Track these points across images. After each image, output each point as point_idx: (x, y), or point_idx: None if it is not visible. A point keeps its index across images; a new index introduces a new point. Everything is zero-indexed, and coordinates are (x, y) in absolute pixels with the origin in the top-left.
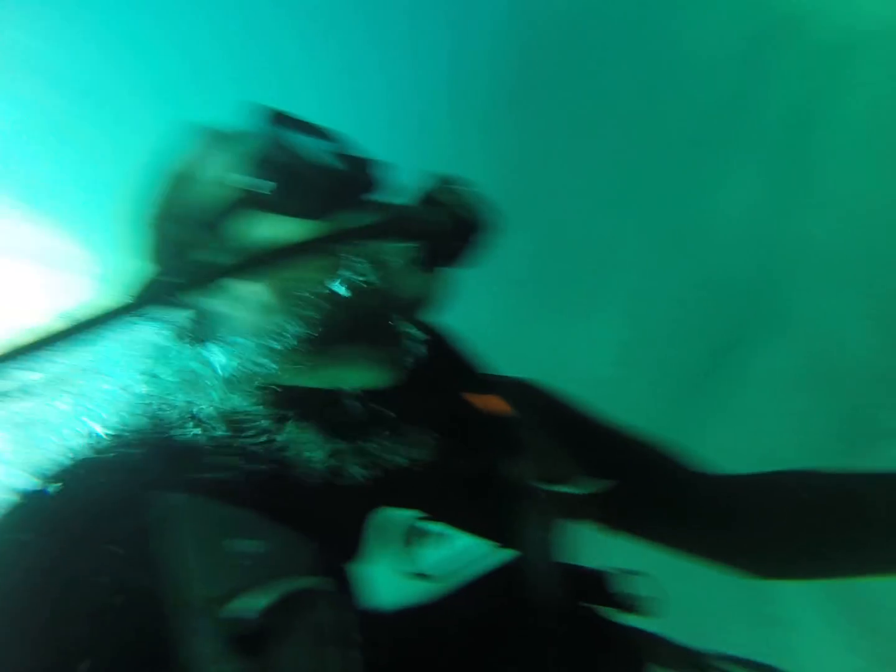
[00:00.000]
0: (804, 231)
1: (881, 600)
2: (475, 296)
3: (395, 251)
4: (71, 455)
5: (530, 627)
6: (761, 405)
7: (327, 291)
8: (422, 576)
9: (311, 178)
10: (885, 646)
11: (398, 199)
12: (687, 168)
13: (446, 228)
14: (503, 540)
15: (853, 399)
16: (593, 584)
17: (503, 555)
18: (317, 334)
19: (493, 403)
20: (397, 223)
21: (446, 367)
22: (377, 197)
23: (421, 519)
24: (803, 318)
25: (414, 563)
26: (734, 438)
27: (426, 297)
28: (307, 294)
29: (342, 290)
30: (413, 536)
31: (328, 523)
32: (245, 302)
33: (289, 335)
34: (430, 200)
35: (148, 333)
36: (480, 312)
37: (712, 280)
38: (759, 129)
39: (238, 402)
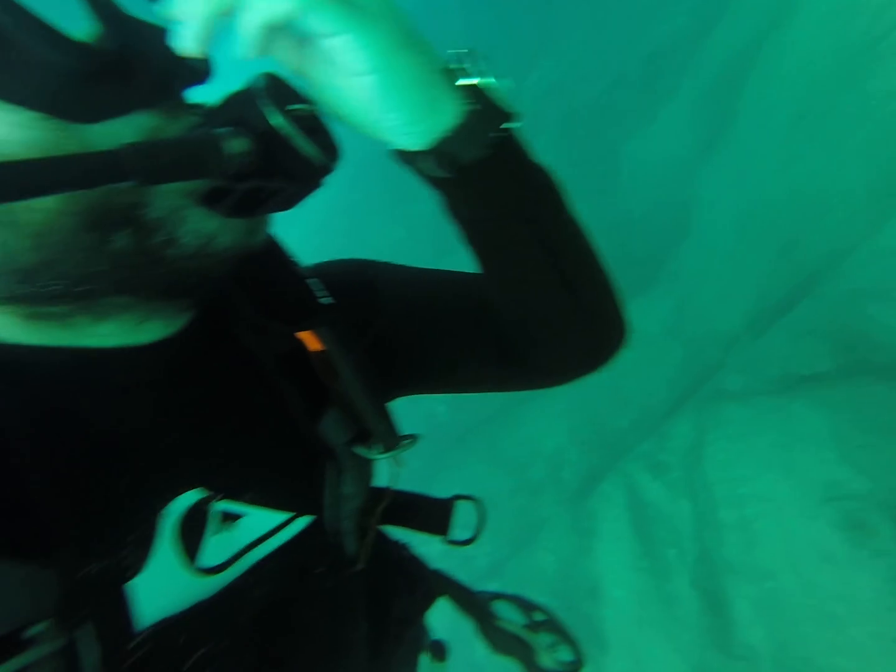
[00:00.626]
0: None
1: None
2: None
3: (173, 192)
4: None
5: (332, 586)
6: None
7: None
8: (208, 570)
9: (28, 43)
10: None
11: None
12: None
13: (248, 165)
14: (303, 506)
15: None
16: (407, 513)
17: (301, 522)
18: (78, 282)
19: (312, 341)
20: (161, 157)
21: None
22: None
23: (205, 501)
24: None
25: (197, 556)
26: None
27: (230, 242)
28: (58, 238)
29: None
30: (194, 524)
31: (72, 532)
32: None
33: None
34: (237, 119)
35: None
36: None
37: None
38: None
39: None
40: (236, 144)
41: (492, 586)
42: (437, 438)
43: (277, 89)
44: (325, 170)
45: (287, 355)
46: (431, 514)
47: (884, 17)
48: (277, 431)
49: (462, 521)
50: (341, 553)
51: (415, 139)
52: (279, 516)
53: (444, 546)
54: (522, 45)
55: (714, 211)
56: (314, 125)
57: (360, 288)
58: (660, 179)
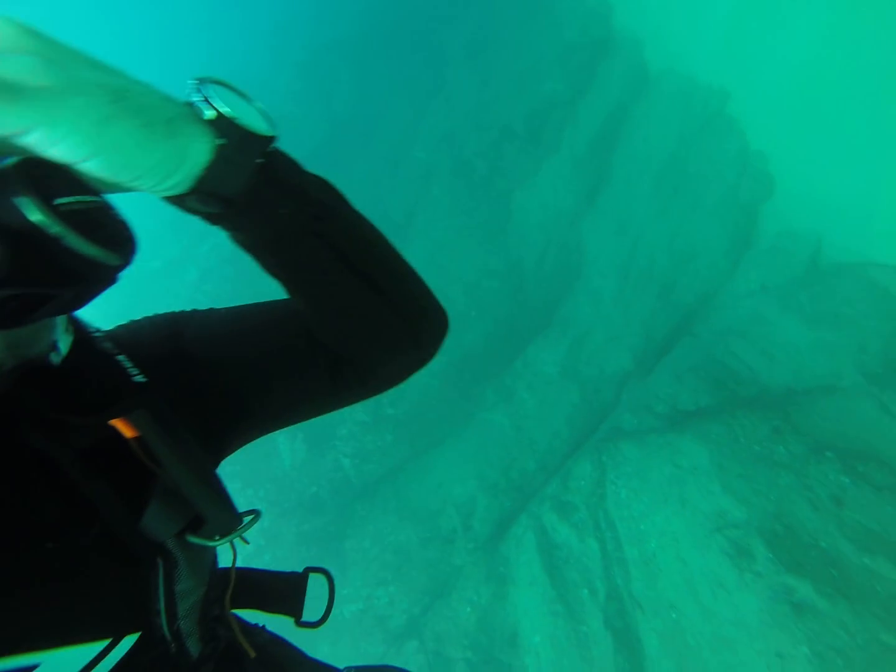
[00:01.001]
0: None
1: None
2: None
3: None
4: None
5: None
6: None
7: None
8: None
9: None
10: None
11: None
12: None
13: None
14: (123, 624)
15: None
16: (255, 594)
17: (125, 644)
18: None
19: (125, 427)
20: None
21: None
22: None
23: None
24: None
25: None
26: None
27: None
28: None
29: None
30: None
31: None
32: None
33: None
34: None
35: None
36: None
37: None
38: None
39: None
40: None
41: (410, 645)
42: (344, 492)
43: (43, 176)
44: (111, 268)
45: (99, 448)
46: (282, 594)
47: (713, 99)
48: (82, 546)
49: (380, 576)
50: (183, 659)
51: (172, 189)
52: (90, 649)
53: (359, 609)
54: (412, 95)
55: (599, 257)
56: (98, 216)
57: (170, 352)
58: (548, 227)
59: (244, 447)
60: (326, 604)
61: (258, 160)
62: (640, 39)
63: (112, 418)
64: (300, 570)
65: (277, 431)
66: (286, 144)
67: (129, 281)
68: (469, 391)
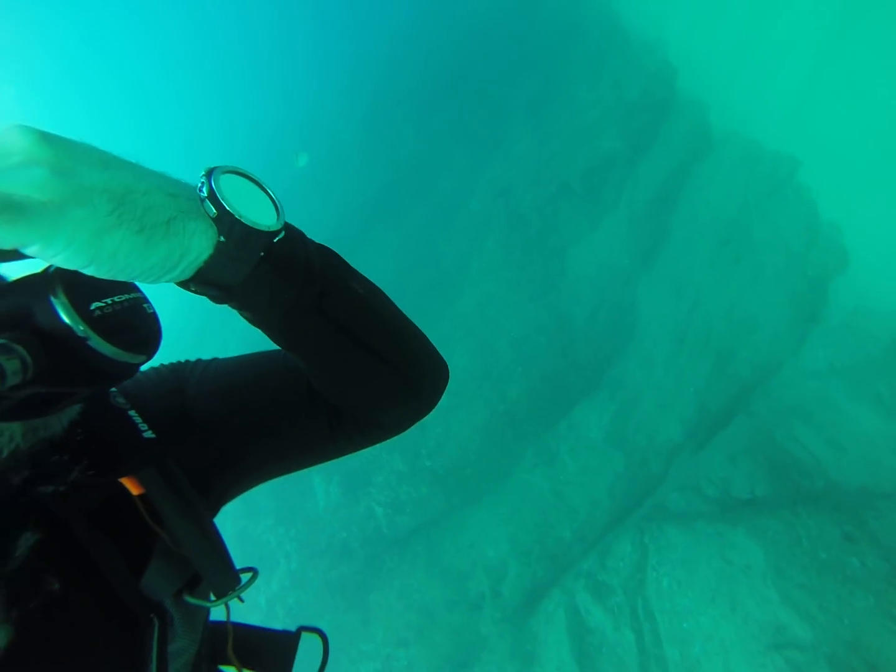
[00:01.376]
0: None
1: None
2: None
3: None
4: None
5: None
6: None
7: None
8: None
9: None
10: None
11: None
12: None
13: (29, 372)
14: None
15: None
16: (245, 650)
17: None
18: None
19: (132, 485)
20: None
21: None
22: None
23: None
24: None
25: None
26: None
27: (5, 442)
28: None
29: None
30: None
31: None
32: None
33: None
34: (19, 316)
35: None
36: None
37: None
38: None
39: None
40: (9, 364)
41: None
42: (375, 542)
43: (77, 281)
44: (134, 365)
45: (104, 506)
46: (271, 653)
47: (782, 166)
48: (80, 607)
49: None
50: None
51: (172, 280)
52: None
53: (376, 669)
54: (472, 149)
55: (653, 320)
56: (128, 316)
57: (173, 407)
58: (601, 285)
59: (280, 482)
60: (319, 667)
61: (261, 252)
62: (705, 102)
63: (124, 476)
64: (326, 616)
65: (314, 471)
66: (351, 191)
67: (198, 316)
68: (510, 449)
